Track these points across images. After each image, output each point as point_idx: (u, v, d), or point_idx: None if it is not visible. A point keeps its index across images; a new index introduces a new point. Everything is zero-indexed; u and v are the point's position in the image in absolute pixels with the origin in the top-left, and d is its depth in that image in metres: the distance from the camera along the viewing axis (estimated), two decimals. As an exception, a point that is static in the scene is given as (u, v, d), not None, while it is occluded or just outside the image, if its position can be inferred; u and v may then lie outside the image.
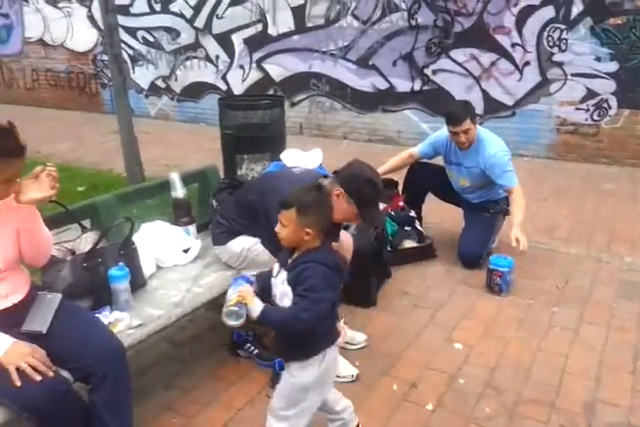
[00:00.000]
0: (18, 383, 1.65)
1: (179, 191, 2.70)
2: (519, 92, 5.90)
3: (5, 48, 9.32)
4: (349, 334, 2.69)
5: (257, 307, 1.71)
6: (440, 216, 4.08)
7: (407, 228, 3.69)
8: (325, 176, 2.47)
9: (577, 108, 5.70)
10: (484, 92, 6.04)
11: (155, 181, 3.14)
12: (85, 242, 2.29)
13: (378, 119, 6.68)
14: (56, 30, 8.69)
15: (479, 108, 6.04)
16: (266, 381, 2.45)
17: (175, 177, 2.71)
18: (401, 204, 3.76)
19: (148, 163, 4.74)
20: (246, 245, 2.51)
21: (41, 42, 8.92)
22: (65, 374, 1.81)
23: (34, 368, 1.69)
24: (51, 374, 1.71)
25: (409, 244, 3.65)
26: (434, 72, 6.23)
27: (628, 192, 4.90)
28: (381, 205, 3.71)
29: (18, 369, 1.67)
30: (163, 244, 2.57)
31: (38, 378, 1.68)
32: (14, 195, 1.80)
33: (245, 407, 2.32)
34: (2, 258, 1.85)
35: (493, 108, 6.04)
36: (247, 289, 1.79)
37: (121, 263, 2.20)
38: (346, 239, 2.68)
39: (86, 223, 2.48)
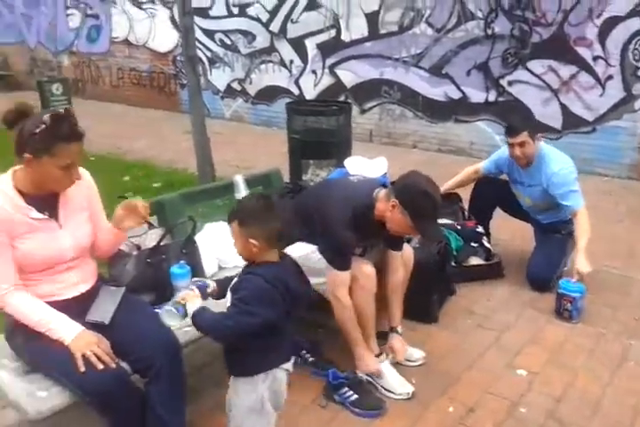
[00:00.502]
0: (82, 369, 1.72)
1: (242, 193, 2.71)
2: (600, 108, 5.61)
3: (94, 47, 9.78)
4: (407, 350, 2.60)
5: (193, 307, 1.72)
6: (510, 233, 3.92)
7: (474, 244, 3.56)
8: (384, 185, 2.40)
9: (664, 127, 5.37)
10: (563, 106, 5.79)
11: (220, 182, 3.19)
12: (151, 238, 2.33)
13: (450, 129, 6.53)
14: (140, 31, 9.03)
15: (557, 123, 5.80)
16: (319, 390, 2.41)
17: (239, 179, 2.73)
18: (471, 224, 3.63)
19: (220, 163, 4.83)
20: (304, 252, 2.48)
21: (126, 42, 9.29)
22: (124, 365, 1.86)
23: (98, 357, 1.74)
24: (113, 365, 1.76)
25: (475, 261, 3.52)
26: (510, 83, 6.03)
27: None
28: (447, 221, 3.64)
29: (83, 356, 1.73)
30: (225, 244, 2.57)
31: (100, 367, 1.73)
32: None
33: (296, 415, 2.28)
34: (75, 244, 1.91)
35: (572, 122, 5.77)
36: (191, 293, 1.79)
37: (182, 261, 2.22)
38: (406, 252, 2.62)
39: (153, 220, 2.52)
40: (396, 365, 2.52)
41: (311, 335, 2.69)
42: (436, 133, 6.64)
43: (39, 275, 1.87)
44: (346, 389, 2.30)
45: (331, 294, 2.38)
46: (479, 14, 6.02)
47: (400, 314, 2.61)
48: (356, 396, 2.28)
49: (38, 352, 1.81)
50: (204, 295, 1.81)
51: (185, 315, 1.76)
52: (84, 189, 1.99)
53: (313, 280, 2.44)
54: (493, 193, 3.61)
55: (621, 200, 4.99)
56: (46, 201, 1.87)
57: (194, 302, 1.75)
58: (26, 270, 1.84)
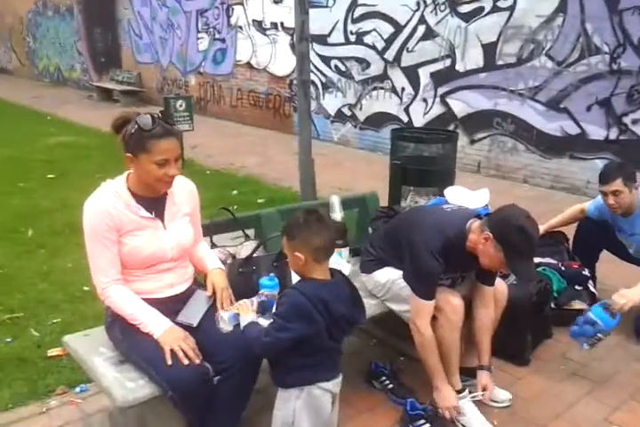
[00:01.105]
0: (169, 362, 1.83)
1: (337, 214, 2.75)
2: None
3: (219, 68, 10.47)
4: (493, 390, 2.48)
5: (245, 320, 1.80)
6: (619, 278, 3.61)
7: (578, 287, 3.35)
8: (479, 216, 2.32)
9: None
10: (694, 151, 5.35)
11: (317, 201, 3.24)
12: (246, 249, 2.43)
13: (564, 166, 6.23)
14: (262, 55, 9.53)
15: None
16: (395, 418, 2.36)
17: (335, 200, 2.77)
18: (576, 265, 3.43)
19: (323, 185, 4.94)
20: (392, 277, 2.46)
21: (248, 65, 9.85)
22: (208, 365, 1.94)
23: (184, 353, 1.85)
24: (197, 361, 1.86)
25: (578, 305, 3.28)
26: (634, 121, 5.67)
27: None
28: (551, 260, 3.45)
29: (171, 350, 1.84)
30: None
31: (186, 362, 1.84)
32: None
33: (369, 442, 2.24)
34: (176, 245, 2.04)
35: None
36: (247, 305, 1.85)
37: (272, 274, 2.27)
38: (500, 288, 2.51)
39: (250, 232, 2.63)
40: (479, 404, 2.41)
41: (393, 363, 2.64)
42: (548, 169, 6.35)
43: (141, 272, 2.01)
44: (422, 421, 2.23)
45: (411, 322, 2.34)
46: (605, 48, 5.75)
47: (488, 352, 2.49)
48: (431, 429, 2.21)
49: (133, 344, 1.94)
50: (264, 310, 1.87)
51: (235, 323, 1.85)
52: (188, 196, 2.14)
53: (396, 307, 2.43)
54: (599, 234, 3.37)
55: None
56: (154, 202, 2.02)
57: (247, 315, 1.82)
58: (129, 267, 1.99)
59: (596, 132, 5.93)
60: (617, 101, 5.75)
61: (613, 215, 3.23)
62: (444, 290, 2.35)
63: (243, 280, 2.27)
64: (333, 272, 1.82)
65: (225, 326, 1.89)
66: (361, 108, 8.18)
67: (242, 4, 9.67)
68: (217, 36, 10.30)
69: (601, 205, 3.30)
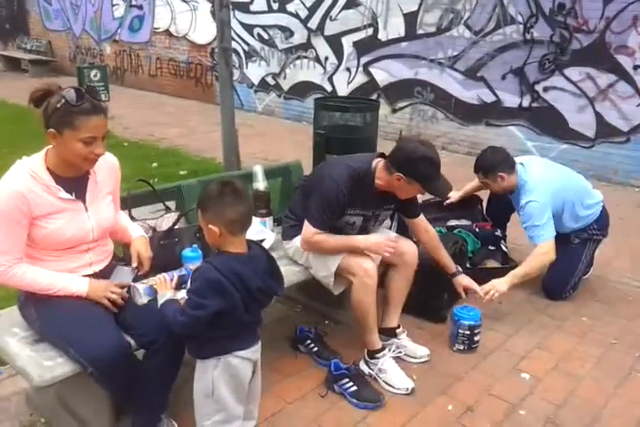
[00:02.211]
0: (115, 311, 1.93)
1: (260, 183, 2.75)
2: (637, 118, 5.49)
3: (136, 36, 10.02)
4: (411, 346, 2.62)
5: (162, 298, 1.80)
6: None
7: (491, 247, 3.55)
8: (382, 155, 2.45)
9: (701, 140, 5.23)
10: (598, 115, 5.68)
11: (240, 171, 3.23)
12: (167, 221, 2.40)
13: (480, 133, 6.48)
14: (181, 22, 9.20)
15: (590, 132, 5.70)
16: (321, 379, 2.44)
17: (258, 169, 2.77)
18: (488, 226, 3.62)
19: (247, 155, 4.90)
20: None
21: (167, 32, 9.49)
22: (129, 339, 1.94)
23: (113, 302, 1.92)
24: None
25: (491, 264, 3.49)
26: (545, 89, 5.95)
27: None
28: (465, 222, 3.63)
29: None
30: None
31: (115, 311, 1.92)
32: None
33: (295, 402, 2.32)
34: (97, 226, 1.99)
35: (606, 132, 5.66)
36: (163, 281, 1.84)
37: (195, 245, 2.27)
38: (410, 250, 2.60)
39: (171, 204, 2.59)
40: (399, 361, 2.54)
41: (318, 326, 2.72)
42: (466, 136, 6.59)
43: (59, 252, 1.94)
44: (346, 380, 2.33)
45: (302, 244, 2.47)
46: (519, 18, 5.96)
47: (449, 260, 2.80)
48: (355, 387, 2.31)
49: (48, 322, 1.88)
50: (180, 285, 1.85)
51: (150, 298, 1.85)
52: (111, 173, 2.07)
53: (317, 272, 2.49)
54: (508, 200, 3.56)
55: (652, 213, 4.88)
56: (75, 183, 1.93)
57: (165, 291, 1.80)
58: (48, 248, 1.91)
59: (511, 99, 6.19)
60: (530, 70, 6.01)
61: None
62: (356, 255, 2.40)
63: (165, 253, 2.25)
64: (251, 244, 1.79)
65: (139, 298, 1.87)
66: (285, 78, 8.11)
67: (158, -32, 9.26)
68: (133, 2, 9.83)
69: None
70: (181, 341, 1.96)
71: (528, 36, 5.94)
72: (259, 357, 1.88)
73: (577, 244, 3.32)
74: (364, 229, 2.54)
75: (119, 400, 1.99)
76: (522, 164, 3.20)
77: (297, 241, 2.55)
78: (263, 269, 1.75)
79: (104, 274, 2.04)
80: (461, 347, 2.70)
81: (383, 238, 2.38)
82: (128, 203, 2.38)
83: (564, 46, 5.75)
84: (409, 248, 2.60)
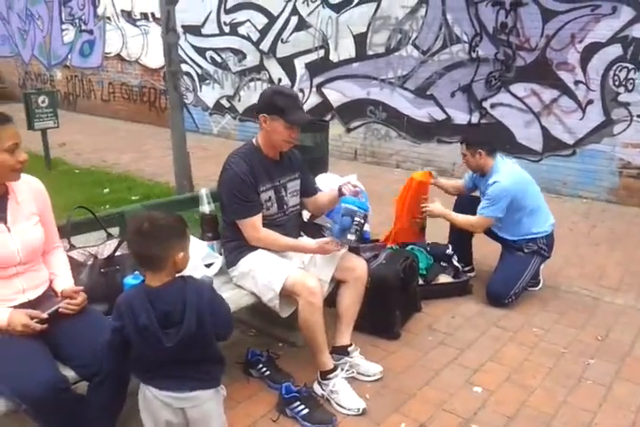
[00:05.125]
0: (38, 328, 1.85)
1: (205, 207, 2.72)
2: (580, 132, 5.68)
3: (87, 61, 9.93)
4: (364, 364, 2.60)
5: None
6: (483, 253, 3.93)
7: (443, 263, 3.59)
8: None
9: (642, 151, 5.43)
10: (544, 129, 5.86)
11: (185, 195, 3.19)
12: (109, 248, 2.34)
13: (433, 150, 6.60)
14: (133, 46, 9.16)
15: (538, 145, 5.87)
16: (273, 404, 2.40)
17: (204, 192, 2.75)
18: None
19: (202, 178, 4.86)
20: (252, 265, 2.52)
21: (118, 57, 9.43)
22: (68, 371, 1.88)
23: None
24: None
25: (444, 278, 3.53)
26: (492, 106, 6.11)
27: (691, 243, 4.58)
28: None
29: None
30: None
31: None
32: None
33: (246, 429, 2.27)
34: (23, 248, 1.93)
35: (553, 146, 5.84)
36: None
37: (137, 272, 2.22)
38: (359, 265, 2.63)
39: (115, 231, 2.54)
40: (352, 380, 2.52)
41: (270, 349, 2.68)
42: (419, 154, 6.70)
43: None
44: (298, 403, 2.29)
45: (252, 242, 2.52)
46: (464, 38, 6.13)
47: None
48: (306, 410, 2.27)
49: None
50: None
51: None
52: (37, 196, 2.02)
53: (263, 296, 2.47)
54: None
55: (599, 223, 5.03)
56: None
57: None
58: None
59: (460, 116, 6.34)
60: (477, 87, 6.17)
61: (478, 178, 3.58)
62: (299, 272, 2.43)
63: (106, 281, 2.20)
64: (174, 283, 1.74)
65: None
66: (239, 100, 8.13)
67: (108, -7, 9.24)
68: (83, 27, 9.76)
69: (470, 174, 3.70)
70: (126, 370, 1.91)
71: (474, 55, 6.12)
72: (188, 407, 1.75)
73: (526, 253, 3.42)
74: (281, 201, 2.62)
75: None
76: (502, 157, 3.50)
77: (240, 266, 2.53)
78: (165, 311, 1.68)
79: (38, 304, 1.97)
80: (353, 237, 2.50)
81: (322, 242, 2.48)
82: (67, 230, 2.32)
83: (508, 64, 5.94)
84: (358, 263, 2.62)
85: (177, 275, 1.78)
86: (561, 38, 5.58)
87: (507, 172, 3.37)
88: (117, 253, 2.28)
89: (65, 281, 2.08)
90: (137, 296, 1.71)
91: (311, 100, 7.40)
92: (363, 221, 2.45)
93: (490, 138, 3.61)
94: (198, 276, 2.60)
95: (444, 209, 3.54)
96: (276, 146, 2.55)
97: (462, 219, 3.48)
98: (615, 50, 5.34)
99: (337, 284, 2.62)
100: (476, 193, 3.72)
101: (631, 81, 5.32)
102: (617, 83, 5.41)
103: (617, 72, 5.39)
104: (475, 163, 3.44)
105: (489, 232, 3.62)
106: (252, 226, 2.48)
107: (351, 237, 2.42)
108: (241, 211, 2.48)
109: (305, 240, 2.63)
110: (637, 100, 5.32)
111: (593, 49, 5.44)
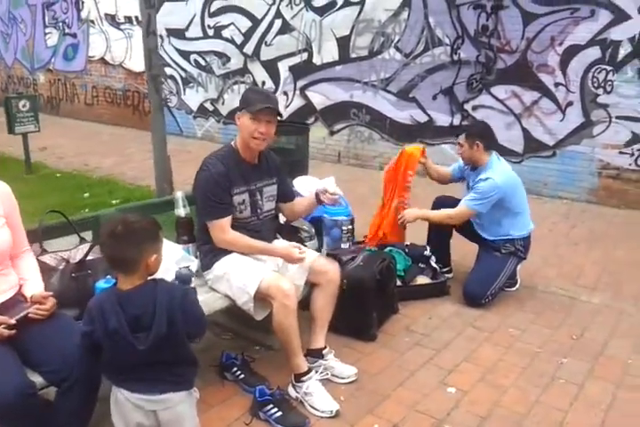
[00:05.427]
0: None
1: (181, 210, 2.72)
2: (561, 133, 5.74)
3: (71, 65, 9.88)
4: (338, 367, 2.61)
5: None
6: (461, 254, 3.95)
7: (422, 265, 3.60)
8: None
9: (621, 152, 5.48)
10: (525, 131, 5.91)
11: (162, 198, 3.19)
12: (81, 253, 2.33)
13: (415, 152, 6.62)
14: (116, 50, 9.13)
15: (519, 147, 5.92)
16: (247, 407, 2.40)
17: (179, 195, 2.74)
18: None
19: (183, 181, 4.83)
20: (227, 268, 2.52)
21: (102, 61, 9.39)
22: (36, 377, 1.87)
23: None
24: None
25: (422, 280, 3.55)
26: (474, 108, 6.16)
27: (669, 242, 4.62)
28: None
29: None
30: (160, 260, 2.58)
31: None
32: None
33: (219, 433, 2.27)
34: None
35: (534, 147, 5.89)
36: None
37: (109, 276, 2.21)
38: (331, 268, 2.63)
39: (88, 235, 2.53)
40: (327, 382, 2.53)
41: (245, 352, 2.68)
42: (402, 156, 6.71)
43: None
44: (271, 406, 2.29)
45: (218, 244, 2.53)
46: (446, 40, 6.17)
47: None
48: (280, 413, 2.28)
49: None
50: None
51: None
52: (2, 198, 2.01)
53: (238, 300, 2.48)
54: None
55: (579, 223, 5.08)
56: None
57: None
58: None
59: (442, 118, 6.37)
60: (459, 90, 6.21)
61: (468, 172, 3.59)
62: (273, 275, 2.44)
63: (77, 285, 2.20)
64: (146, 286, 1.75)
65: None
66: (223, 103, 8.12)
67: (92, -4, 9.20)
68: (67, 30, 9.71)
69: (460, 165, 3.72)
70: (97, 375, 1.91)
71: (455, 57, 6.16)
72: (160, 409, 1.76)
73: (504, 254, 3.45)
74: (255, 205, 2.62)
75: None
76: (498, 157, 3.51)
77: (215, 269, 2.54)
78: (135, 314, 1.69)
79: (6, 308, 1.96)
80: (347, 245, 2.66)
81: (287, 245, 2.51)
82: (39, 234, 2.31)
83: (489, 66, 5.99)
84: (330, 266, 2.63)
85: (149, 278, 1.79)
86: (541, 41, 5.63)
87: (501, 171, 3.40)
88: (89, 258, 2.28)
89: (34, 286, 2.07)
90: (107, 300, 1.72)
91: (295, 103, 7.41)
92: (351, 226, 2.53)
93: (491, 134, 3.62)
94: (170, 278, 2.61)
95: (418, 211, 3.57)
96: (249, 145, 2.55)
97: (439, 213, 3.51)
98: (594, 52, 5.41)
99: (310, 287, 2.63)
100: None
101: (610, 83, 5.38)
102: (596, 84, 5.47)
103: (596, 74, 5.45)
104: (470, 154, 3.44)
105: (467, 232, 3.65)
106: (220, 228, 2.49)
107: (344, 245, 2.52)
108: (212, 212, 2.49)
109: (276, 243, 2.63)
110: (616, 101, 5.39)
111: (572, 51, 5.50)
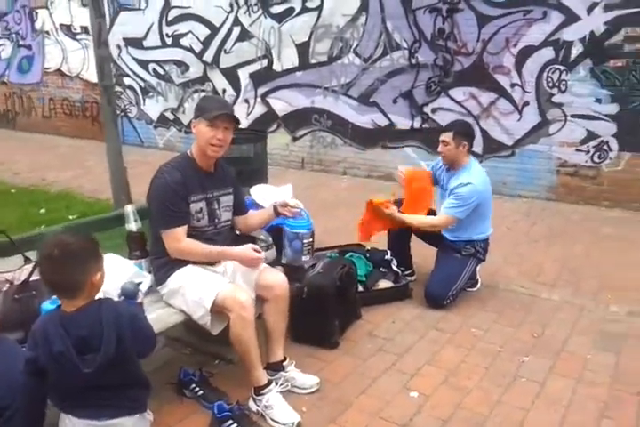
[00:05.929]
0: None
1: (132, 224, 2.66)
2: (518, 133, 5.83)
3: (26, 78, 9.65)
4: (300, 377, 2.58)
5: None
6: (423, 255, 3.95)
7: (383, 269, 3.60)
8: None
9: (577, 150, 5.59)
10: (484, 132, 5.98)
11: (110, 213, 3.12)
12: (26, 273, 2.25)
13: (378, 155, 6.64)
14: (73, 61, 8.96)
15: (478, 148, 5.97)
16: (207, 425, 2.33)
17: (129, 209, 2.68)
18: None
19: (142, 194, 4.70)
20: (182, 282, 2.47)
21: (59, 72, 9.20)
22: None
23: None
24: None
25: (384, 284, 3.54)
26: (433, 110, 6.21)
27: (627, 237, 4.71)
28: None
29: None
30: (111, 277, 2.50)
31: None
32: None
33: (178, 452, 2.21)
34: None
35: (493, 147, 5.96)
36: None
37: (55, 297, 2.14)
38: (278, 282, 2.57)
39: (34, 254, 2.44)
40: (289, 394, 2.49)
41: (203, 368, 2.62)
42: (364, 160, 6.74)
43: None
44: (230, 422, 2.24)
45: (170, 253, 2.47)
46: (404, 44, 6.22)
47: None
48: (240, 429, 2.23)
49: None
50: None
51: None
52: None
53: (194, 314, 2.42)
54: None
55: (539, 221, 5.15)
56: None
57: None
58: None
59: (403, 122, 6.41)
60: (418, 93, 6.26)
61: (443, 172, 3.59)
62: (229, 287, 2.38)
63: (20, 307, 2.11)
64: (91, 307, 1.69)
65: None
66: (184, 112, 8.03)
67: (46, 7, 9.01)
68: (21, 42, 9.49)
69: (436, 163, 3.70)
70: (42, 402, 1.83)
71: (414, 61, 6.21)
72: None
73: (464, 256, 3.46)
74: (213, 214, 2.58)
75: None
76: (474, 159, 3.55)
77: (170, 283, 2.48)
78: (81, 336, 1.64)
79: None
80: (307, 257, 2.64)
81: (245, 247, 2.46)
82: (-20, 256, 2.23)
83: (447, 69, 6.05)
84: (277, 280, 2.57)
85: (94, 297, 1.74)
86: (496, 43, 5.72)
87: (478, 174, 3.40)
88: (33, 278, 2.19)
89: None
90: (50, 322, 1.67)
91: (256, 110, 7.38)
92: (311, 239, 2.53)
93: (474, 135, 3.60)
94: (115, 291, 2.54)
95: (401, 214, 3.49)
96: (206, 152, 2.50)
97: (423, 221, 3.47)
98: (548, 53, 5.51)
99: (261, 302, 2.58)
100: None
101: (564, 82, 5.49)
102: (550, 84, 5.57)
103: (550, 74, 5.56)
104: (454, 153, 3.39)
105: (425, 234, 3.66)
106: (175, 237, 2.44)
107: (305, 257, 2.50)
108: (168, 221, 2.44)
109: (227, 247, 2.56)
110: (570, 100, 5.50)
111: (527, 52, 5.59)
